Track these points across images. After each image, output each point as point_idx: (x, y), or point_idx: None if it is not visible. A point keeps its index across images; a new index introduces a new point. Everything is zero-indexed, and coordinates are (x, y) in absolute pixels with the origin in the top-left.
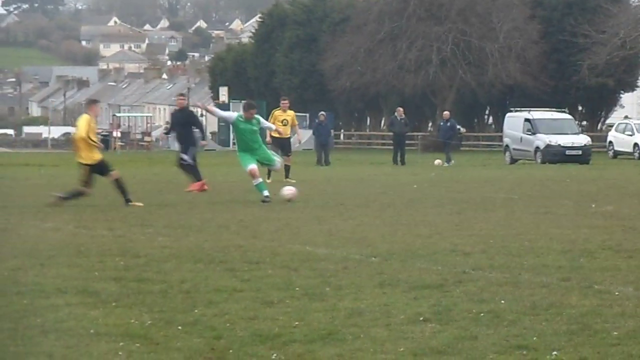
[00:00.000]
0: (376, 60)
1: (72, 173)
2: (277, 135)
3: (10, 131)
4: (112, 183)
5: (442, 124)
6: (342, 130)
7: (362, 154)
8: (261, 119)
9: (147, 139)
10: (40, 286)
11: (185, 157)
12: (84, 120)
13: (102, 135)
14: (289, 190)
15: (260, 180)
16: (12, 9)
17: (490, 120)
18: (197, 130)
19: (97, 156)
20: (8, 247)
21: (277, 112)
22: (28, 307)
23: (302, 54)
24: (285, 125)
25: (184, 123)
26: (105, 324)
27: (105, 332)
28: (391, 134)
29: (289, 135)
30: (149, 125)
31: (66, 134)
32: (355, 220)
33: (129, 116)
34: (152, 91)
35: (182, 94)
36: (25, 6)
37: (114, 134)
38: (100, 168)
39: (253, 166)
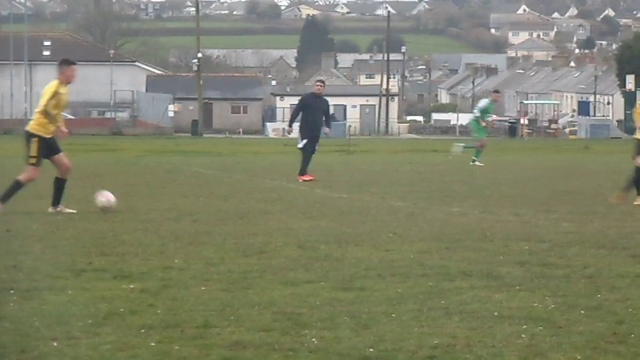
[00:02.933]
0: None
1: (481, 159)
2: None
3: (420, 118)
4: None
5: None
6: None
7: None
8: None
9: (553, 126)
10: (445, 269)
11: (302, 143)
12: None
13: (509, 122)
14: None
15: None
16: None
17: None
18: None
19: None
20: (415, 231)
21: None
22: (433, 289)
23: None
24: None
25: (318, 109)
26: (508, 307)
27: (508, 315)
28: None
29: None
30: (555, 112)
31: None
32: None
33: (536, 104)
34: (559, 79)
35: (321, 80)
36: None
37: (522, 121)
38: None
39: None
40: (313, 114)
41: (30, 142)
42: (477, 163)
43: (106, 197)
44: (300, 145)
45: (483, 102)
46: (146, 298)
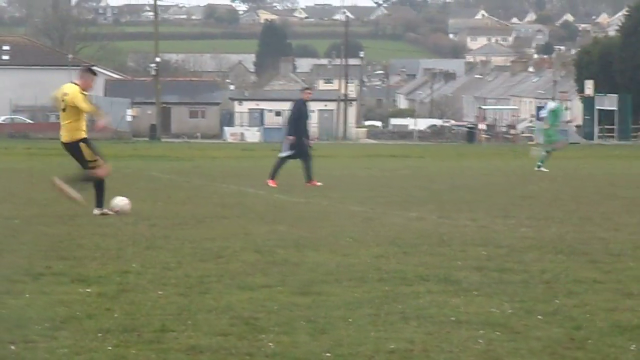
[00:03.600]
0: None
1: (437, 164)
2: None
3: (378, 123)
4: None
5: None
6: None
7: None
8: None
9: (512, 131)
10: (402, 274)
11: (287, 153)
12: None
13: (467, 127)
14: None
15: None
16: (381, 2)
17: None
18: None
19: None
20: (373, 235)
21: None
22: (390, 293)
23: None
24: None
25: (308, 116)
26: (466, 312)
27: (465, 320)
28: None
29: None
30: (514, 118)
31: (432, 126)
32: None
33: (494, 109)
34: (518, 84)
35: (309, 87)
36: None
37: (480, 126)
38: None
39: None
40: (305, 121)
41: (80, 149)
42: (542, 169)
43: (123, 202)
44: (284, 154)
45: (552, 105)
46: (104, 302)
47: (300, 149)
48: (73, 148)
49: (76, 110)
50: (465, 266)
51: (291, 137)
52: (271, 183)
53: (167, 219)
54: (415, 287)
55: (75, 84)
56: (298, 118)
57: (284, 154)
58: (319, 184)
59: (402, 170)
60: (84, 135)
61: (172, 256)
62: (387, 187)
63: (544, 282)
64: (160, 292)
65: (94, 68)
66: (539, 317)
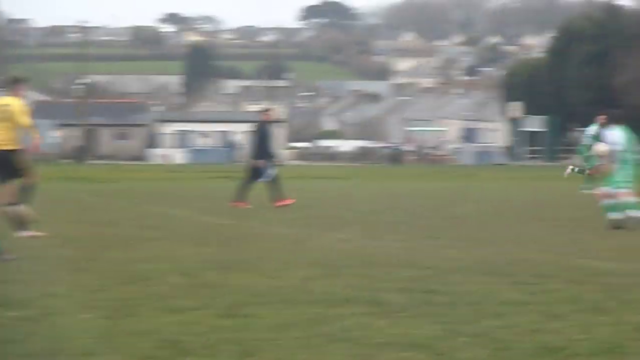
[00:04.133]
0: None
1: (363, 186)
2: None
3: (306, 144)
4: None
5: None
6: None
7: None
8: None
9: (438, 153)
10: (329, 295)
11: (270, 174)
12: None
13: (393, 149)
14: None
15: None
16: (308, 23)
17: None
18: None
19: None
20: (300, 257)
21: None
22: (318, 315)
23: (595, 69)
24: None
25: (268, 137)
26: (391, 334)
27: (391, 342)
28: None
29: None
30: (440, 139)
31: (359, 148)
32: None
33: (421, 130)
34: (444, 106)
35: (268, 108)
36: (324, 20)
37: (406, 148)
38: None
39: None
40: (267, 143)
41: (19, 158)
42: (584, 191)
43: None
44: (269, 177)
45: (593, 129)
46: (27, 326)
47: (256, 171)
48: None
49: (12, 124)
50: (390, 288)
51: (261, 161)
52: (283, 203)
53: (92, 241)
54: (341, 309)
55: (13, 96)
56: (262, 140)
57: (266, 178)
58: (248, 206)
59: (330, 191)
60: (17, 146)
61: (97, 279)
62: (315, 209)
63: (470, 303)
64: (85, 316)
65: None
66: (464, 338)
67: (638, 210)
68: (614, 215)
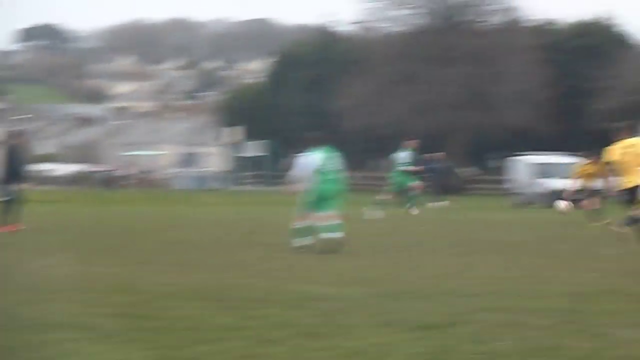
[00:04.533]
0: (387, 102)
1: (80, 210)
2: None
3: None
4: None
5: (437, 165)
6: (352, 171)
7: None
8: None
9: (153, 177)
10: (41, 321)
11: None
12: None
13: (107, 173)
14: None
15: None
16: (24, 46)
17: (500, 163)
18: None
19: None
20: (10, 282)
21: None
22: (29, 341)
23: (313, 94)
24: None
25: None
26: (107, 359)
27: None
28: None
29: None
30: (156, 164)
31: (75, 172)
32: (362, 260)
33: (136, 154)
34: (163, 130)
35: (20, 130)
36: (42, 43)
37: (120, 172)
38: None
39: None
40: (21, 165)
41: None
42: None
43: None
44: (7, 197)
45: (404, 155)
46: None
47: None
48: None
49: None
50: (104, 313)
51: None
52: (11, 228)
53: None
54: (54, 335)
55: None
56: (13, 162)
57: (7, 197)
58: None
59: (45, 215)
60: None
61: None
62: (28, 234)
63: (184, 328)
64: None
65: None
66: None
67: (338, 232)
68: (302, 241)
